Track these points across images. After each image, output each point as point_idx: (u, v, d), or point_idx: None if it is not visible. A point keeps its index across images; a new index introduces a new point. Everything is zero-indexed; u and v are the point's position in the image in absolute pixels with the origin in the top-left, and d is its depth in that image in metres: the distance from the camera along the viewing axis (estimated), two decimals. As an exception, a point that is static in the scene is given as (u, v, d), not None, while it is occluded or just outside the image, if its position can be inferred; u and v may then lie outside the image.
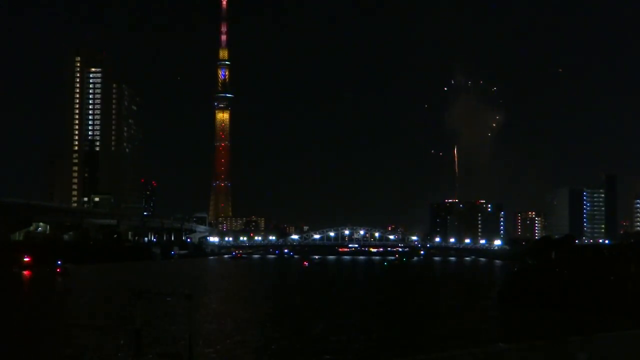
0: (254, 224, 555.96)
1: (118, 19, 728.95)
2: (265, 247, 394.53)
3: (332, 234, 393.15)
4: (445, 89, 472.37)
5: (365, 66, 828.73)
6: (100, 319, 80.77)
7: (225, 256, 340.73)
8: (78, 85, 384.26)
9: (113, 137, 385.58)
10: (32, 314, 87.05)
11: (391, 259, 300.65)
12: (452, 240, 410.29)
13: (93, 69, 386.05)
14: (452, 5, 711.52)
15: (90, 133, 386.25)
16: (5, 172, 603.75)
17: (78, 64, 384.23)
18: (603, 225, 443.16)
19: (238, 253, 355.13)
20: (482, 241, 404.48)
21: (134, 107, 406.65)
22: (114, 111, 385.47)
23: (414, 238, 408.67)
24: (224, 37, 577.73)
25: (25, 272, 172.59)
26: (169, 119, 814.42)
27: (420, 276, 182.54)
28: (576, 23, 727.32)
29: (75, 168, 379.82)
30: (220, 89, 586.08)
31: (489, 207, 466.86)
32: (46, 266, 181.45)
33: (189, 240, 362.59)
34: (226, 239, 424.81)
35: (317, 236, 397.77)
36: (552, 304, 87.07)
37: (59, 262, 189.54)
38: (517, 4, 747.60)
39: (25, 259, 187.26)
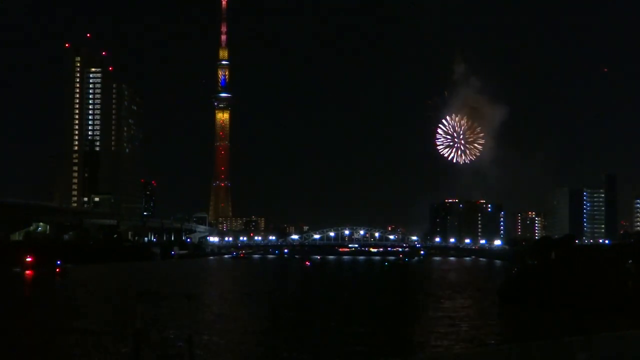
0: (254, 224, 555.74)
1: (118, 19, 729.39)
2: (265, 247, 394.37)
3: (332, 234, 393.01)
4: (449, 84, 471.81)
5: (366, 65, 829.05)
6: (100, 320, 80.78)
7: (226, 256, 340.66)
8: (78, 85, 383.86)
9: (113, 137, 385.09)
10: (32, 315, 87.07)
11: (391, 259, 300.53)
12: (452, 240, 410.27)
13: (93, 69, 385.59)
14: (452, 3, 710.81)
15: (90, 133, 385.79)
16: (5, 172, 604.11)
17: (78, 64, 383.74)
18: (603, 225, 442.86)
19: (240, 253, 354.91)
20: (482, 241, 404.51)
21: (134, 107, 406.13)
22: (114, 111, 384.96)
23: (414, 238, 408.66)
24: (224, 37, 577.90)
25: (28, 272, 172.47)
26: (169, 119, 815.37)
27: (420, 276, 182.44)
28: (576, 22, 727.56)
29: (75, 168, 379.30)
30: (220, 89, 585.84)
31: (489, 207, 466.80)
32: (46, 266, 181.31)
33: (189, 240, 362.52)
34: (226, 239, 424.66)
35: (317, 236, 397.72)
36: (552, 304, 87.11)
37: (59, 262, 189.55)
38: (517, 2, 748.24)
39: (28, 259, 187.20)
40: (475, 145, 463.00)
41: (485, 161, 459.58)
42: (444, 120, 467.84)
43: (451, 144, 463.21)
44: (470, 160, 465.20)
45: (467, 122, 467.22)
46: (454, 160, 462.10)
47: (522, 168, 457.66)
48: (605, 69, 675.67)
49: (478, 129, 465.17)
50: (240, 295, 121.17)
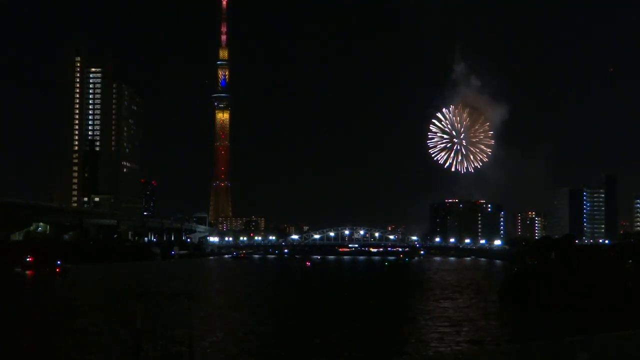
0: (254, 224, 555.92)
1: (118, 19, 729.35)
2: (265, 247, 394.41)
3: (332, 234, 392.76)
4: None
5: (366, 64, 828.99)
6: (100, 320, 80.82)
7: (226, 256, 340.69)
8: (78, 85, 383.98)
9: (113, 137, 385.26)
10: (32, 315, 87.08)
11: (391, 259, 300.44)
12: (452, 240, 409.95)
13: (93, 69, 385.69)
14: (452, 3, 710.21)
15: (90, 133, 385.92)
16: (5, 172, 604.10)
17: (78, 64, 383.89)
18: (603, 225, 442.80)
19: (241, 253, 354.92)
20: (482, 241, 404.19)
21: (134, 107, 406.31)
22: (114, 111, 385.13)
23: (414, 238, 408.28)
24: (224, 37, 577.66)
25: (28, 272, 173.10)
26: (169, 119, 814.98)
27: (420, 276, 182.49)
28: (576, 22, 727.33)
29: (75, 168, 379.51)
30: (220, 89, 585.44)
31: (489, 207, 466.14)
32: (46, 266, 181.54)
33: (189, 240, 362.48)
34: (226, 239, 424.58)
35: (317, 236, 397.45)
36: (552, 304, 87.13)
37: (59, 262, 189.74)
38: (517, 2, 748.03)
39: (28, 259, 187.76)
40: (481, 146, 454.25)
41: (486, 162, 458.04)
42: (439, 115, 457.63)
43: (449, 145, 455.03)
44: (475, 168, 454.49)
45: (467, 118, 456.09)
46: (453, 169, 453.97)
47: (522, 168, 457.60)
48: (612, 69, 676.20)
49: (485, 126, 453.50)
50: (240, 295, 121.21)
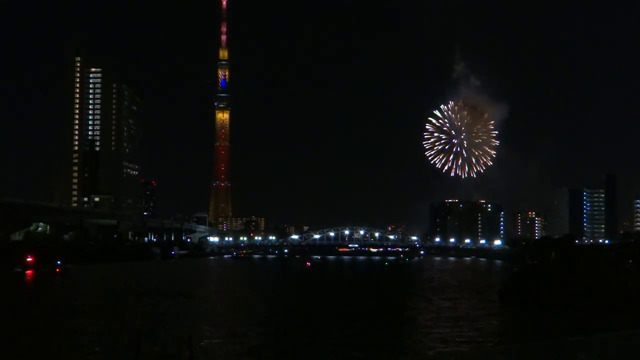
0: (254, 224, 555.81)
1: (118, 19, 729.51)
2: (265, 247, 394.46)
3: (332, 234, 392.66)
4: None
5: (366, 64, 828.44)
6: (100, 320, 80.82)
7: (226, 256, 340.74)
8: (78, 85, 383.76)
9: (113, 137, 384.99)
10: (32, 315, 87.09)
11: (391, 259, 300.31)
12: (452, 240, 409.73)
13: (93, 69, 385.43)
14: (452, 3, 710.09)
15: (90, 133, 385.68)
16: (5, 173, 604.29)
17: (78, 64, 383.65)
18: (603, 225, 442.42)
19: (241, 253, 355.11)
20: (482, 241, 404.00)
21: (134, 107, 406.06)
22: (114, 111, 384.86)
23: (414, 238, 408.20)
24: (224, 37, 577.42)
25: (28, 272, 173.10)
26: (169, 119, 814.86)
27: (420, 276, 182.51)
28: (576, 22, 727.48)
29: (75, 168, 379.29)
30: (220, 89, 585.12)
31: (489, 207, 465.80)
32: (46, 266, 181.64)
33: (189, 240, 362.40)
34: (226, 239, 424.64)
35: (317, 236, 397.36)
36: (552, 304, 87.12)
37: (59, 262, 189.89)
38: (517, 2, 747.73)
39: (28, 259, 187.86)
40: (485, 147, 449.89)
41: (486, 161, 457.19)
42: (437, 113, 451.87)
43: (447, 146, 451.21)
44: (478, 172, 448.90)
45: (468, 116, 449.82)
46: (452, 173, 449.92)
47: (522, 168, 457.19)
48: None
49: (489, 125, 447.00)
50: (240, 295, 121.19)
